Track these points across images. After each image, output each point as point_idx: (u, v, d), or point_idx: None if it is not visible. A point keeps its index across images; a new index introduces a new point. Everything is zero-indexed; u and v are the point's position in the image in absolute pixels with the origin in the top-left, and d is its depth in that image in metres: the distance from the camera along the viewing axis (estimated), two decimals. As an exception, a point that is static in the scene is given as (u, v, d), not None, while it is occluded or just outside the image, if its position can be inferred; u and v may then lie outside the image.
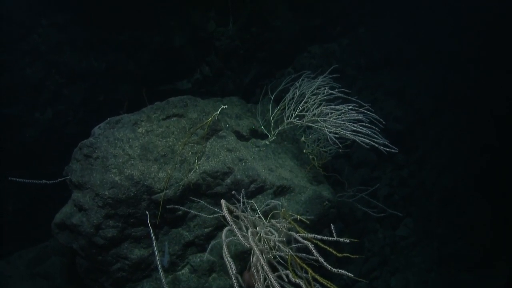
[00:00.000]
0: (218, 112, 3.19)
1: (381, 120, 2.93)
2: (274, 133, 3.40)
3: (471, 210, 8.40)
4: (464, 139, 8.27)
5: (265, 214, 3.07)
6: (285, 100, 3.31)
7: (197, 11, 5.89)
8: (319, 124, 2.78)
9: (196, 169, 2.90)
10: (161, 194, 2.75)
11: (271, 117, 3.40)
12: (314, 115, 2.81)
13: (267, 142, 3.53)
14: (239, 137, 3.36)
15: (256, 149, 3.45)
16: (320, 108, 2.81)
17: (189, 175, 2.87)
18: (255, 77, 6.10)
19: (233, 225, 1.91)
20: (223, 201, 2.18)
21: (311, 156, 3.79)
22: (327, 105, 2.83)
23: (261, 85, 6.25)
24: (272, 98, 3.51)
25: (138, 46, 5.74)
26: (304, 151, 3.84)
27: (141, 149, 2.74)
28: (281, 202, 3.30)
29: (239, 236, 1.88)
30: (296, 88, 3.10)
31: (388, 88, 6.46)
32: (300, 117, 3.04)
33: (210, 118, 3.10)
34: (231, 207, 2.37)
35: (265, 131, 3.52)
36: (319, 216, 3.54)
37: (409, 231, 7.46)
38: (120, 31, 5.62)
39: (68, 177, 2.70)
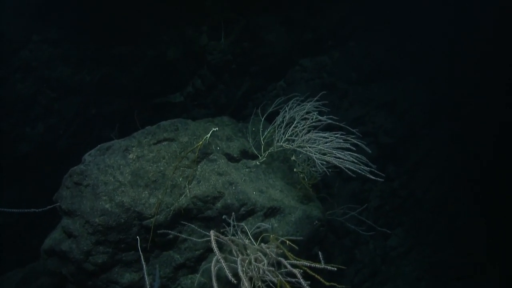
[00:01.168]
0: (209, 135, 3.24)
1: (367, 149, 2.99)
2: (264, 155, 3.45)
3: (462, 219, 8.54)
4: (455, 149, 8.42)
5: (256, 236, 3.12)
6: (275, 122, 3.37)
7: (190, 25, 5.93)
8: (307, 150, 2.84)
9: (187, 193, 2.93)
10: (152, 219, 2.77)
11: (262, 139, 3.45)
12: (303, 141, 2.87)
13: (257, 163, 3.58)
14: (230, 159, 3.40)
15: (246, 170, 3.49)
16: (308, 134, 2.87)
17: (180, 199, 2.90)
18: (247, 90, 6.16)
19: (221, 259, 1.95)
20: (212, 232, 2.22)
21: (301, 175, 3.84)
22: (316, 132, 2.89)
23: (253, 99, 6.32)
24: (263, 119, 3.57)
25: (131, 60, 5.76)
26: (295, 169, 3.89)
27: (132, 175, 2.77)
28: (271, 223, 3.34)
29: (226, 270, 1.92)
30: (286, 112, 3.16)
31: (379, 101, 6.56)
32: (290, 141, 3.09)
33: (201, 142, 3.14)
34: (221, 237, 2.40)
35: (256, 152, 3.57)
36: (309, 235, 3.60)
37: (400, 240, 7.56)
38: (113, 46, 5.64)
39: (58, 203, 2.71)
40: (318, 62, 6.59)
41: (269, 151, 3.39)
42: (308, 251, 3.94)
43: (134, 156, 2.85)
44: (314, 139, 2.81)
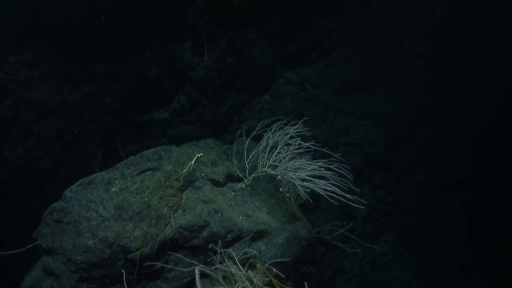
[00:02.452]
0: (193, 161, 3.22)
1: (350, 176, 3.04)
2: (249, 178, 3.45)
3: (448, 223, 8.74)
4: (439, 154, 8.64)
5: (243, 262, 3.11)
6: (259, 146, 3.38)
7: (172, 41, 5.90)
8: (290, 177, 2.86)
9: (173, 223, 2.91)
10: (137, 252, 2.74)
11: (246, 163, 3.46)
12: (286, 168, 2.89)
13: (243, 186, 3.58)
14: (215, 184, 3.40)
15: (232, 193, 3.49)
16: (291, 162, 2.89)
17: (166, 230, 2.87)
18: (232, 105, 6.16)
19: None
20: (197, 269, 2.21)
21: (287, 194, 3.86)
22: (299, 159, 2.92)
23: (239, 114, 6.32)
24: (247, 142, 3.57)
25: (114, 78, 5.68)
26: (281, 189, 3.91)
27: (116, 209, 2.73)
28: (258, 246, 3.34)
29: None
30: (270, 138, 3.17)
31: (363, 111, 6.67)
32: (274, 166, 3.11)
33: (185, 169, 3.12)
34: (207, 269, 2.39)
35: (241, 175, 3.57)
36: (297, 256, 3.62)
37: (389, 247, 7.68)
38: (94, 64, 5.55)
39: (38, 242, 2.64)
40: (303, 74, 6.65)
41: (254, 174, 3.40)
42: (296, 271, 3.96)
43: (117, 189, 2.80)
44: (297, 167, 2.83)
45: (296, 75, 6.62)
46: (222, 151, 3.81)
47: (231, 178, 3.57)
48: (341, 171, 3.34)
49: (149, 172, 3.02)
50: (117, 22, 5.16)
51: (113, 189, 2.79)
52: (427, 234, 8.34)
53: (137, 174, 2.96)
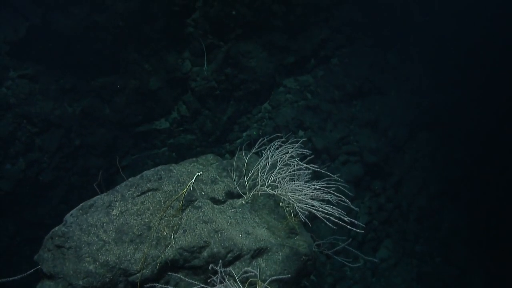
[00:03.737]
0: (193, 180, 3.24)
1: (349, 194, 3.05)
2: (249, 196, 3.47)
3: (447, 227, 8.77)
4: (438, 159, 8.65)
5: (243, 280, 3.14)
6: (259, 163, 3.40)
7: (172, 52, 5.92)
8: (289, 198, 2.88)
9: (173, 244, 2.93)
10: (138, 275, 2.76)
11: (246, 180, 3.48)
12: (285, 189, 2.91)
13: (243, 202, 3.60)
14: (215, 202, 3.41)
15: (232, 210, 3.51)
16: (291, 185, 2.91)
17: (166, 251, 2.90)
18: (232, 115, 6.18)
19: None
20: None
21: (287, 209, 3.88)
22: (298, 182, 2.94)
23: (239, 122, 6.33)
24: (247, 159, 3.59)
25: (114, 90, 5.72)
26: (281, 204, 3.93)
27: (116, 232, 2.75)
28: (258, 263, 3.36)
29: None
30: (268, 158, 3.19)
31: (362, 119, 6.68)
32: (273, 186, 3.13)
33: (185, 189, 3.14)
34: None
35: (241, 192, 3.59)
36: (297, 271, 3.63)
37: (389, 252, 7.70)
38: (94, 77, 5.57)
39: (39, 266, 2.67)
40: (302, 82, 6.67)
41: (254, 192, 3.42)
42: (297, 285, 3.99)
43: (118, 212, 2.83)
44: (296, 189, 2.85)
45: (295, 83, 6.64)
46: (222, 167, 3.83)
47: (231, 195, 3.59)
48: (340, 185, 3.35)
49: (149, 193, 3.04)
50: (115, 35, 5.18)
51: (114, 212, 2.81)
52: (426, 239, 8.37)
53: (138, 196, 2.99)
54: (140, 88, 5.79)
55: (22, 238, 6.18)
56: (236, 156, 4.14)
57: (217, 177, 3.58)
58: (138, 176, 3.14)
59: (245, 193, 3.66)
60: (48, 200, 6.11)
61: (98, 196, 2.89)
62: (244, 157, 3.63)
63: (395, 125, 7.32)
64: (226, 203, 3.56)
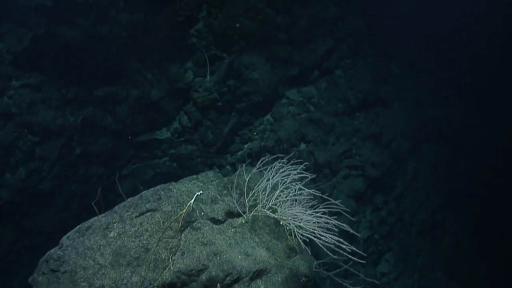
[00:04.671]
0: (192, 200, 3.20)
1: (354, 232, 3.00)
2: (249, 216, 3.43)
3: (449, 240, 8.67)
4: (441, 171, 8.57)
5: (242, 303, 3.08)
6: (260, 184, 3.35)
7: (174, 63, 5.89)
8: (290, 223, 2.83)
9: (171, 267, 2.88)
10: (134, 298, 2.71)
11: (246, 201, 3.43)
12: (285, 214, 2.86)
13: (243, 221, 3.55)
14: (215, 222, 3.37)
15: (232, 230, 3.46)
16: (292, 210, 2.87)
17: (164, 273, 2.85)
18: (234, 126, 6.13)
19: None
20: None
21: (287, 228, 3.83)
22: (299, 208, 2.89)
23: (241, 134, 6.29)
24: (247, 179, 3.55)
25: (115, 100, 5.69)
26: (281, 223, 3.88)
27: (113, 255, 2.71)
28: (257, 285, 3.31)
29: None
30: (269, 179, 3.15)
31: (365, 132, 6.62)
32: (274, 210, 3.08)
33: (184, 210, 3.10)
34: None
35: (241, 212, 3.54)
36: (296, 292, 3.58)
37: (390, 266, 7.61)
38: (96, 87, 5.55)
39: (35, 289, 2.62)
40: (305, 94, 6.62)
41: (254, 213, 3.37)
42: (296, 305, 3.92)
43: (116, 234, 2.79)
44: (297, 216, 2.81)
45: (298, 94, 6.59)
46: (223, 185, 3.78)
47: (231, 214, 3.54)
48: (340, 209, 3.30)
49: (148, 214, 3.00)
50: (118, 46, 5.17)
51: (111, 234, 2.77)
52: (428, 252, 8.28)
53: (136, 217, 2.94)
54: (142, 98, 5.76)
55: (22, 246, 6.14)
56: (237, 172, 4.10)
57: (218, 196, 3.54)
58: (137, 196, 3.10)
59: (245, 212, 3.61)
60: (48, 208, 6.08)
61: (95, 218, 2.85)
62: (245, 176, 3.59)
63: (398, 137, 7.25)
64: (226, 222, 3.51)
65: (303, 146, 5.93)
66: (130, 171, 6.30)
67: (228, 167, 6.15)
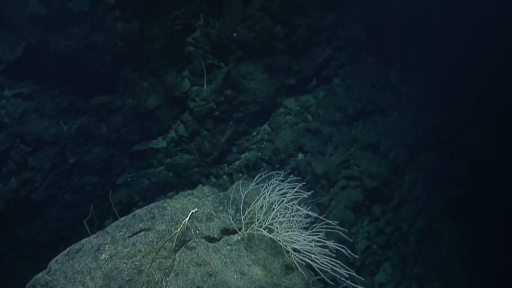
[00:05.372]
0: (187, 219, 3.12)
1: (349, 254, 2.94)
2: (245, 233, 3.35)
3: (447, 247, 8.63)
4: (439, 178, 8.53)
5: (237, 325, 3.00)
6: (256, 201, 3.28)
7: (171, 71, 5.82)
8: (287, 246, 2.76)
9: (164, 289, 2.80)
10: (126, 323, 2.63)
11: (242, 218, 3.36)
12: (281, 235, 2.79)
13: (239, 238, 3.48)
14: (210, 240, 3.29)
15: (228, 248, 3.38)
16: (289, 232, 2.80)
17: (156, 296, 2.77)
18: (231, 136, 6.07)
19: None
20: None
21: (284, 244, 3.76)
22: (296, 232, 2.82)
23: (238, 144, 6.22)
24: (243, 196, 3.47)
25: (110, 109, 5.60)
26: (278, 238, 3.81)
27: (104, 278, 2.62)
28: (254, 305, 3.24)
29: None
30: (266, 197, 3.08)
31: (364, 142, 6.57)
32: (270, 230, 3.01)
33: (179, 229, 3.02)
34: None
35: (237, 229, 3.47)
36: (293, 311, 3.50)
37: (388, 276, 7.55)
38: (91, 96, 5.47)
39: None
40: (303, 103, 6.56)
41: (250, 231, 3.29)
42: (293, 324, 3.85)
43: (107, 256, 2.70)
44: (294, 239, 2.74)
45: (296, 103, 6.53)
46: (219, 201, 3.71)
47: (227, 231, 3.47)
48: (338, 230, 3.23)
49: (141, 234, 2.92)
50: (113, 55, 5.08)
51: (103, 257, 2.69)
52: (426, 261, 8.22)
53: (129, 237, 2.86)
54: (138, 107, 5.68)
55: (14, 255, 6.03)
56: (233, 187, 4.03)
57: (213, 212, 3.46)
58: (130, 215, 3.02)
59: (241, 229, 3.54)
60: (41, 218, 5.97)
61: (86, 239, 2.76)
62: (241, 192, 3.51)
63: (397, 146, 7.20)
64: (222, 240, 3.44)
65: (300, 156, 5.87)
66: (126, 181, 6.21)
67: (225, 177, 6.08)
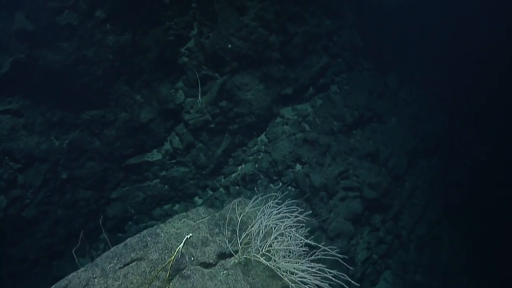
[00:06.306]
0: (181, 245, 3.00)
1: (352, 281, 2.82)
2: (242, 258, 3.23)
3: (447, 253, 8.55)
4: (438, 184, 8.46)
5: None
6: (253, 225, 3.16)
7: (164, 83, 5.68)
8: (284, 277, 2.65)
9: (157, 322, 2.67)
10: None
11: (239, 243, 3.24)
12: (279, 264, 2.68)
13: (235, 262, 3.35)
14: (206, 266, 3.16)
15: (224, 273, 3.26)
16: (286, 260, 2.68)
17: (150, 330, 2.64)
18: (227, 148, 5.93)
19: None
20: None
21: (281, 273, 3.64)
22: (293, 261, 2.70)
23: (234, 156, 6.09)
24: (239, 219, 3.35)
25: (102, 123, 5.46)
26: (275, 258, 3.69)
27: (94, 315, 2.49)
28: (252, 332, 3.12)
29: None
30: (262, 223, 2.96)
31: (362, 150, 6.46)
32: (267, 257, 2.89)
33: (173, 257, 2.89)
34: None
35: (233, 252, 3.34)
36: (292, 336, 3.38)
37: (388, 285, 7.46)
38: (82, 110, 5.32)
39: None
40: (300, 112, 6.44)
41: (246, 256, 3.17)
42: None
43: (97, 290, 2.57)
44: (290, 268, 2.62)
45: (293, 113, 6.41)
46: (214, 222, 3.58)
47: (223, 255, 3.34)
48: (338, 257, 3.12)
49: (133, 264, 2.79)
50: (104, 69, 4.94)
51: (92, 292, 2.55)
52: (426, 268, 8.14)
53: (120, 268, 2.73)
54: (131, 121, 5.54)
55: (5, 273, 5.87)
56: (230, 207, 3.90)
57: (209, 236, 3.33)
58: (121, 245, 2.89)
59: (237, 252, 3.42)
60: (32, 234, 5.82)
61: (74, 274, 2.62)
62: (237, 214, 3.39)
63: (396, 153, 7.11)
64: (218, 264, 3.31)
65: (298, 167, 5.75)
66: (120, 195, 6.06)
67: (221, 189, 5.94)
